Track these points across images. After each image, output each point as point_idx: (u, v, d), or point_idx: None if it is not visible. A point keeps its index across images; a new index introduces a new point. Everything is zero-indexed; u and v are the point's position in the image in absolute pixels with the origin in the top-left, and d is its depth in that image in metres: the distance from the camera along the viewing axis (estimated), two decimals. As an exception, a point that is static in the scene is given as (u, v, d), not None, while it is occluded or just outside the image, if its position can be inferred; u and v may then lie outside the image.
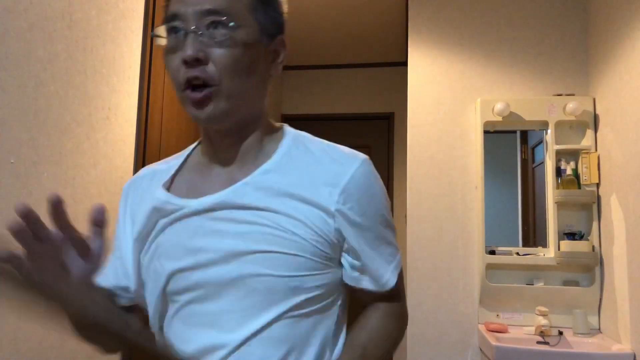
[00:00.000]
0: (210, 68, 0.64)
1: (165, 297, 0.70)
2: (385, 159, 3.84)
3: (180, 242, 0.68)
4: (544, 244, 2.33)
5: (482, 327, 2.25)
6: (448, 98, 2.52)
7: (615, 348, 1.92)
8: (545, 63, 2.47)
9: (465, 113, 2.50)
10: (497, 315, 2.31)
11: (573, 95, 2.36)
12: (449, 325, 2.38)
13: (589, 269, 2.25)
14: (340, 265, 0.73)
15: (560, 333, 2.11)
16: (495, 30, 2.53)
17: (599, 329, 2.21)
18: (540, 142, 2.41)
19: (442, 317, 2.39)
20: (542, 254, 2.30)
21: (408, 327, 2.59)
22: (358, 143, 3.90)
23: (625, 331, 1.95)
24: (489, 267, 2.32)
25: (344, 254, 0.72)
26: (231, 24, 0.64)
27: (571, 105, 2.27)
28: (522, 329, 2.22)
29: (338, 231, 0.68)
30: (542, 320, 2.13)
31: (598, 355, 1.91)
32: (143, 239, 0.72)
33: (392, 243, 0.75)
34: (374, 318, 0.76)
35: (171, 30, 0.66)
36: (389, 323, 0.76)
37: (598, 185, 2.25)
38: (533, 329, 2.17)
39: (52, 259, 0.56)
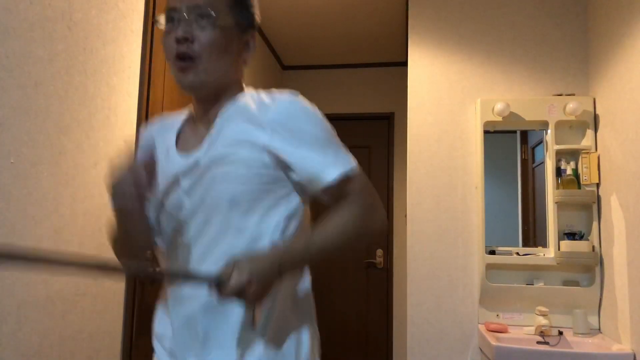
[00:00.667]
0: (195, 45, 0.87)
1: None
2: (385, 159, 3.84)
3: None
4: (544, 244, 2.33)
5: (482, 327, 2.25)
6: (448, 98, 2.52)
7: (615, 348, 1.92)
8: (545, 63, 2.47)
9: (465, 113, 2.50)
10: (497, 315, 2.31)
11: (573, 95, 2.36)
12: (449, 325, 2.38)
13: (589, 269, 2.25)
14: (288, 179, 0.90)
15: (560, 333, 2.11)
16: (495, 30, 2.53)
17: (599, 329, 2.21)
18: (540, 142, 2.41)
19: (442, 317, 2.39)
20: (542, 254, 2.30)
21: (408, 327, 2.58)
22: (358, 143, 3.89)
23: (625, 331, 1.95)
24: (489, 267, 2.32)
25: (288, 169, 0.89)
26: (212, 14, 0.87)
27: (571, 105, 2.27)
28: (522, 329, 2.22)
29: (272, 154, 0.87)
30: (542, 320, 2.13)
31: (598, 355, 1.91)
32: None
33: (335, 151, 0.90)
34: (332, 212, 0.89)
35: (168, 19, 0.90)
36: (344, 210, 0.88)
37: (598, 185, 2.25)
38: (533, 329, 2.17)
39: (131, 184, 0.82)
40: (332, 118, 3.99)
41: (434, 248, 2.43)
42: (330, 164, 0.87)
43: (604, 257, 2.19)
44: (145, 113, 1.83)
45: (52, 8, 1.35)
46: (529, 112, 2.37)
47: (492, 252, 2.33)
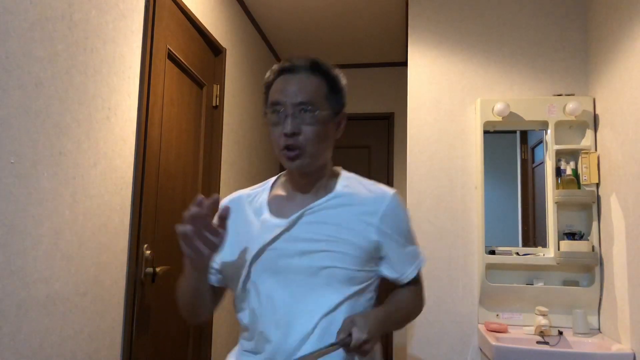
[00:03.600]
0: (301, 138, 1.00)
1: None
2: (385, 159, 3.84)
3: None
4: (543, 244, 2.33)
5: (482, 327, 2.25)
6: (448, 98, 2.52)
7: (615, 348, 1.92)
8: (545, 63, 2.47)
9: (465, 113, 2.50)
10: (497, 315, 2.31)
11: (573, 95, 2.36)
12: (449, 325, 2.38)
13: (588, 269, 2.25)
14: (378, 265, 1.08)
15: (560, 333, 2.11)
16: (495, 30, 2.53)
17: (599, 329, 2.21)
18: (540, 142, 2.41)
19: (442, 317, 2.39)
20: (542, 254, 2.30)
21: (408, 327, 2.59)
22: (358, 143, 3.90)
23: (625, 331, 1.95)
24: (489, 267, 2.32)
25: (382, 257, 1.07)
26: (315, 111, 1.01)
27: (571, 105, 2.27)
28: (522, 329, 2.22)
29: (377, 243, 1.04)
30: (542, 320, 2.13)
31: (598, 355, 1.92)
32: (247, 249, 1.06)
33: (415, 249, 1.12)
34: (400, 292, 1.12)
35: (273, 110, 1.02)
36: (410, 295, 1.12)
37: (598, 185, 2.25)
38: (533, 329, 2.17)
39: (200, 238, 0.90)
40: (332, 118, 3.83)
41: (434, 248, 2.43)
42: (413, 262, 1.10)
43: (603, 257, 2.19)
44: (145, 113, 1.83)
45: (52, 8, 1.35)
46: (529, 112, 2.37)
47: (492, 252, 2.33)
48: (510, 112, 2.35)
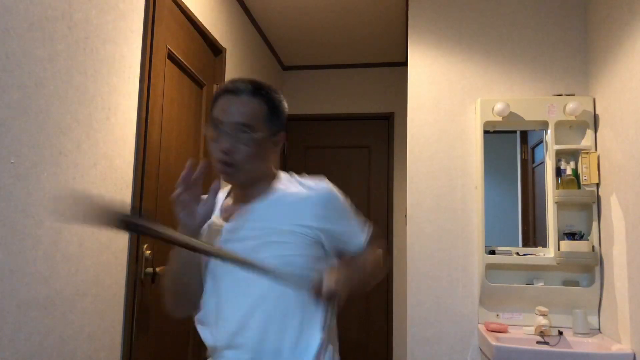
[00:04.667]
0: (236, 156, 1.07)
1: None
2: (385, 159, 3.84)
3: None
4: (544, 244, 2.33)
5: (482, 327, 2.25)
6: (448, 98, 2.52)
7: (615, 348, 1.92)
8: (545, 63, 2.47)
9: (465, 113, 2.50)
10: (497, 315, 2.31)
11: (573, 95, 2.36)
12: (449, 325, 2.38)
13: (589, 269, 2.25)
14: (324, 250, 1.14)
15: (560, 333, 2.11)
16: (495, 30, 2.53)
17: (599, 329, 2.21)
18: (540, 142, 2.41)
19: (442, 317, 2.39)
20: (542, 254, 2.30)
21: (408, 327, 2.58)
22: (358, 143, 3.90)
23: (625, 331, 1.95)
24: (489, 267, 2.32)
25: (330, 239, 1.13)
26: (251, 132, 1.07)
27: (571, 105, 2.27)
28: (522, 329, 2.22)
29: (314, 228, 1.10)
30: (542, 320, 2.13)
31: (598, 355, 1.92)
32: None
33: (359, 222, 1.21)
34: (363, 255, 1.19)
35: (214, 126, 1.09)
36: (368, 257, 1.19)
37: (598, 185, 2.25)
38: (533, 329, 2.17)
39: (191, 202, 1.05)
40: (332, 118, 4.00)
41: (434, 248, 2.43)
42: (360, 232, 1.19)
43: (604, 257, 2.19)
44: (145, 113, 1.83)
45: (52, 8, 1.35)
46: (529, 112, 2.37)
47: (492, 252, 2.33)
48: (510, 112, 2.35)
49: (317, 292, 0.98)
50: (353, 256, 1.18)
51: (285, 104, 1.17)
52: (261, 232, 1.08)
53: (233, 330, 1.05)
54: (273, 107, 1.13)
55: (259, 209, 1.11)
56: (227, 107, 1.08)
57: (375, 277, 1.22)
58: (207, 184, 1.07)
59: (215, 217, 1.15)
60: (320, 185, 1.15)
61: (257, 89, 1.11)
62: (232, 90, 1.10)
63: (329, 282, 0.97)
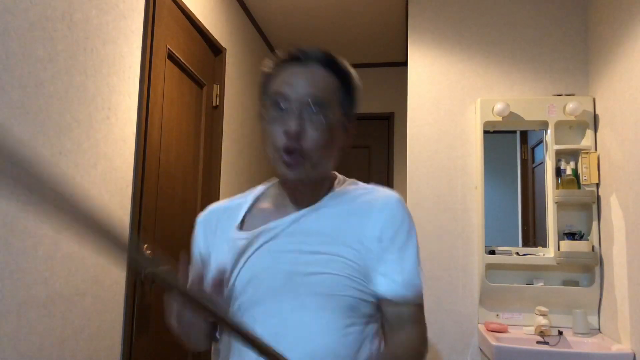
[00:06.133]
0: (306, 143, 0.82)
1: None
2: (385, 159, 3.84)
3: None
4: (543, 244, 2.33)
5: (482, 327, 2.25)
6: (448, 98, 2.52)
7: (615, 348, 1.92)
8: (545, 63, 2.47)
9: (465, 113, 2.50)
10: (497, 315, 2.31)
11: (573, 95, 2.36)
12: (449, 325, 2.38)
13: (588, 269, 2.25)
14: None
15: (560, 333, 2.11)
16: (495, 30, 2.53)
17: (599, 329, 2.21)
18: (540, 142, 2.41)
19: (442, 317, 2.39)
20: (542, 254, 2.30)
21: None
22: (358, 143, 3.89)
23: (625, 331, 1.95)
24: (489, 267, 2.32)
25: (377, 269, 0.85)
26: (325, 113, 0.83)
27: (571, 105, 2.27)
28: (522, 329, 2.22)
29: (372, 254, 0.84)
30: (542, 320, 2.13)
31: (598, 355, 1.91)
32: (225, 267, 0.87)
33: (418, 265, 0.88)
34: (397, 342, 0.87)
35: (275, 104, 0.84)
36: (412, 339, 0.86)
37: (598, 185, 2.25)
38: (533, 329, 2.17)
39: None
40: (332, 118, 3.82)
41: (434, 248, 2.43)
42: (410, 283, 0.85)
43: (603, 257, 2.19)
44: (145, 113, 1.83)
45: (52, 8, 1.35)
46: (529, 112, 2.37)
47: (492, 252, 2.33)
48: (510, 112, 2.35)
49: None
50: (384, 349, 0.86)
51: (359, 82, 0.93)
52: (302, 249, 0.84)
53: None
54: (348, 84, 0.89)
55: (311, 219, 0.86)
56: (294, 79, 0.85)
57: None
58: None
59: (235, 232, 0.89)
60: (392, 198, 0.89)
61: (330, 59, 0.89)
62: (299, 57, 0.89)
63: None
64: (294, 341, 0.79)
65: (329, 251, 0.83)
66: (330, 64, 0.89)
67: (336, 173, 0.96)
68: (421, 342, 0.87)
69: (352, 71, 0.91)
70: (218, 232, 0.92)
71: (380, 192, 0.90)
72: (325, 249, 0.83)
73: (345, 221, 0.86)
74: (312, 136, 0.82)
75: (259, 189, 0.98)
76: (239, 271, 0.85)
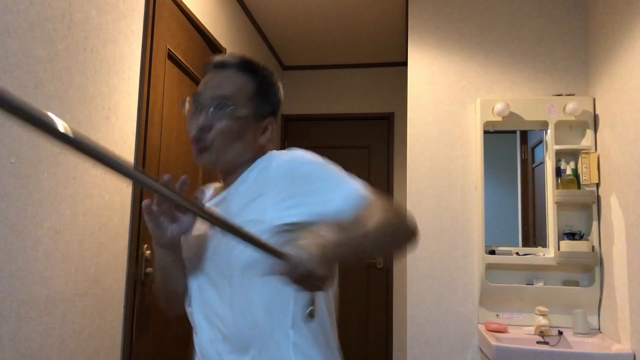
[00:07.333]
0: (210, 133, 0.95)
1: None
2: (385, 159, 3.84)
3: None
4: (543, 244, 2.33)
5: (482, 327, 2.25)
6: (448, 98, 2.52)
7: (615, 348, 1.92)
8: (545, 63, 2.47)
9: (465, 113, 2.50)
10: (497, 315, 2.31)
11: (573, 95, 2.36)
12: (449, 325, 2.38)
13: (589, 269, 2.25)
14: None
15: (560, 333, 2.11)
16: (495, 30, 2.53)
17: (599, 329, 2.21)
18: (540, 142, 2.41)
19: (442, 317, 2.39)
20: (542, 254, 2.30)
21: (408, 327, 2.57)
22: (358, 143, 3.90)
23: (625, 331, 1.95)
24: (489, 267, 2.32)
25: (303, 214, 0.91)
26: (230, 105, 0.96)
27: (571, 105, 2.27)
28: (522, 329, 2.22)
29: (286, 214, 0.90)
30: (542, 320, 2.13)
31: (598, 355, 1.91)
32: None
33: (341, 181, 0.92)
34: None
35: (193, 101, 0.99)
36: (375, 212, 0.87)
37: (598, 185, 2.25)
38: (533, 329, 2.17)
39: (162, 218, 0.89)
40: (332, 118, 4.00)
41: (434, 248, 2.43)
42: (343, 189, 0.90)
43: (603, 257, 2.19)
44: (145, 113, 1.83)
45: (52, 8, 1.35)
46: (529, 112, 2.37)
47: (492, 252, 2.33)
48: (510, 112, 2.35)
49: (283, 272, 0.73)
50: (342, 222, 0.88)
51: (281, 90, 1.04)
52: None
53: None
54: (262, 87, 1.00)
55: (228, 199, 0.97)
56: (209, 81, 0.99)
57: (394, 238, 0.88)
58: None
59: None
60: (282, 156, 0.95)
61: (246, 64, 1.00)
62: (219, 64, 1.01)
63: (301, 257, 0.72)
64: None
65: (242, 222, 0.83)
66: (246, 68, 1.00)
67: (271, 152, 1.01)
68: (393, 213, 0.88)
69: (271, 76, 1.03)
70: None
71: (275, 155, 0.97)
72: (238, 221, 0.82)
73: (250, 192, 0.94)
74: (216, 127, 0.95)
75: None
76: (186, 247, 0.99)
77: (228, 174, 1.02)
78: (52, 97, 1.36)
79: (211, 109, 0.95)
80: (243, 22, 3.04)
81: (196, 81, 2.36)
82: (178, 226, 0.90)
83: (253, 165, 0.98)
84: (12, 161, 1.22)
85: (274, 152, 0.98)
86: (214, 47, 2.54)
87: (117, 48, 1.67)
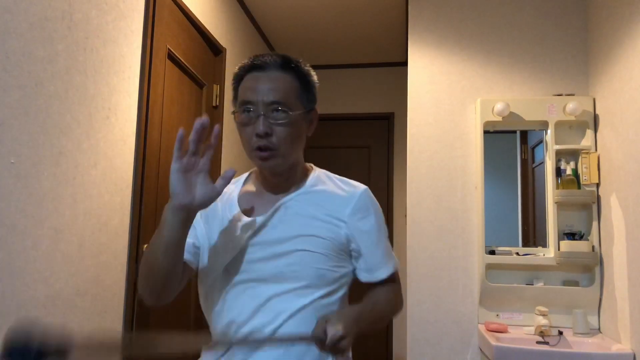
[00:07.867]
0: (273, 139, 0.97)
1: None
2: (385, 159, 3.84)
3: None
4: (543, 244, 2.33)
5: (482, 327, 2.25)
6: (448, 98, 2.52)
7: (615, 348, 1.92)
8: (545, 63, 2.47)
9: (465, 113, 2.50)
10: (497, 315, 2.31)
11: (573, 95, 2.36)
12: (449, 325, 2.38)
13: (589, 269, 2.25)
14: (350, 263, 1.06)
15: (560, 333, 2.11)
16: (495, 30, 2.53)
17: (599, 329, 2.21)
18: (540, 142, 2.41)
19: (442, 317, 2.39)
20: (542, 254, 2.30)
21: (408, 327, 2.58)
22: (358, 143, 3.90)
23: (625, 331, 1.95)
24: (489, 267, 2.32)
25: (354, 254, 1.05)
26: (287, 110, 0.98)
27: (571, 105, 2.27)
28: (522, 329, 2.22)
29: (347, 238, 1.03)
30: (542, 320, 2.13)
31: (598, 355, 1.91)
32: (216, 239, 1.05)
33: (389, 248, 1.10)
34: (377, 290, 1.08)
35: (244, 110, 0.99)
36: (386, 292, 1.08)
37: (598, 185, 2.25)
38: (533, 329, 2.17)
39: (190, 170, 0.90)
40: (332, 118, 4.00)
41: (434, 248, 2.43)
42: (387, 262, 1.07)
43: (603, 257, 2.19)
44: (145, 113, 1.83)
45: (52, 8, 1.35)
46: (529, 112, 2.37)
47: (492, 252, 2.33)
48: (510, 112, 2.35)
49: (320, 343, 0.89)
50: (368, 293, 1.06)
51: (316, 77, 1.09)
52: (288, 235, 0.99)
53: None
54: (305, 81, 1.04)
55: (290, 205, 1.02)
56: (257, 85, 0.98)
57: (390, 316, 1.11)
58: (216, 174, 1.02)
59: (235, 212, 1.05)
60: (360, 189, 1.07)
61: (287, 62, 1.01)
62: (260, 65, 1.00)
63: (333, 329, 0.87)
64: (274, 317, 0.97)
65: (304, 233, 1.00)
66: (287, 66, 1.01)
67: (311, 165, 1.14)
68: (399, 295, 1.11)
69: (308, 68, 1.07)
70: (219, 212, 1.07)
71: (350, 183, 1.09)
72: (302, 232, 1.00)
73: (320, 205, 1.03)
74: (278, 133, 0.97)
75: (244, 176, 1.15)
76: (234, 255, 1.00)
77: (282, 176, 1.05)
78: (52, 97, 1.36)
79: (269, 115, 0.97)
80: (243, 22, 3.04)
81: (196, 81, 2.36)
82: (210, 188, 0.89)
83: (311, 180, 1.07)
84: (12, 161, 1.22)
85: (350, 181, 1.09)
86: (214, 47, 2.54)
87: (117, 48, 1.67)
